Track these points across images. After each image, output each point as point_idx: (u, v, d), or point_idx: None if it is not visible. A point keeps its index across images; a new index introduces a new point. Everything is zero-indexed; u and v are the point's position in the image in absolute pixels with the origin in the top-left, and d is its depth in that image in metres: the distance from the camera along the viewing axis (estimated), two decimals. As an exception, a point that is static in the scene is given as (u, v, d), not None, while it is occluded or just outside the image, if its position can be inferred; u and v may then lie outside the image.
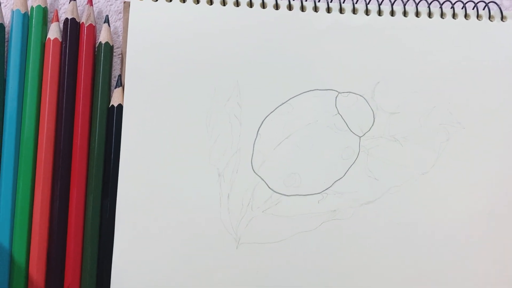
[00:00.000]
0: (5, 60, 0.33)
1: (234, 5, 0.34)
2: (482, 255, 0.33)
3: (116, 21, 0.35)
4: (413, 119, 0.33)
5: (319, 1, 0.35)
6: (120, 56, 0.34)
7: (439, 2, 0.35)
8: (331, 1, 0.35)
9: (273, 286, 0.31)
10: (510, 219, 0.33)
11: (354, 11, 0.35)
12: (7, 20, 0.33)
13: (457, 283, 0.32)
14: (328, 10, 0.34)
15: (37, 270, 0.30)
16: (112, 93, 0.33)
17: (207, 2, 0.34)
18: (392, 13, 0.35)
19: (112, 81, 0.34)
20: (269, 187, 0.32)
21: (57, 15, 0.33)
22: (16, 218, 0.31)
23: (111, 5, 0.35)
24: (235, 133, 0.33)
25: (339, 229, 0.32)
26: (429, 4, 0.35)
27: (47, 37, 0.33)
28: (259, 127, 0.33)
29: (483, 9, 0.35)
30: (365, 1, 0.35)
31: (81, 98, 0.32)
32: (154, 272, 0.31)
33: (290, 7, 0.34)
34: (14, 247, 0.31)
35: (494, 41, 0.35)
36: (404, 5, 0.35)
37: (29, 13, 0.33)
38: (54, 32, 0.33)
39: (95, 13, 0.34)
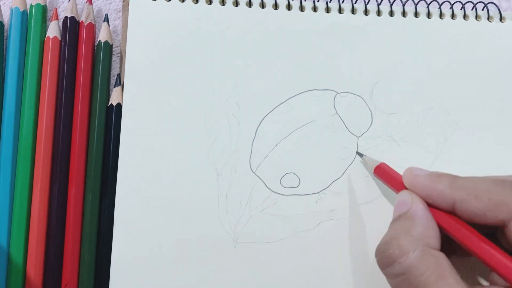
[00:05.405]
0: (4, 58, 0.33)
1: (233, 4, 0.34)
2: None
3: (115, 19, 0.35)
4: (411, 119, 0.34)
5: (318, 1, 0.35)
6: (119, 55, 0.34)
7: (438, 2, 0.35)
8: (330, 1, 0.35)
9: (270, 286, 0.31)
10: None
11: (353, 11, 0.35)
12: (6, 18, 0.33)
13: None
14: (327, 10, 0.34)
15: (35, 269, 0.30)
16: (111, 92, 0.33)
17: (206, 2, 0.34)
18: (391, 13, 0.35)
19: (111, 80, 0.34)
20: (267, 187, 0.32)
21: (56, 13, 0.33)
22: (14, 216, 0.31)
23: (110, 3, 0.35)
24: (234, 133, 0.33)
25: (337, 229, 0.32)
26: (428, 5, 0.35)
27: (46, 35, 0.33)
28: (258, 127, 0.33)
29: (482, 9, 0.35)
30: (364, 1, 0.35)
31: (80, 97, 0.32)
32: (153, 271, 0.31)
33: (289, 7, 0.34)
34: (12, 245, 0.30)
35: (492, 41, 0.35)
36: (403, 5, 0.35)
37: (28, 11, 0.33)
38: (53, 30, 0.33)
39: (95, 11, 0.34)
